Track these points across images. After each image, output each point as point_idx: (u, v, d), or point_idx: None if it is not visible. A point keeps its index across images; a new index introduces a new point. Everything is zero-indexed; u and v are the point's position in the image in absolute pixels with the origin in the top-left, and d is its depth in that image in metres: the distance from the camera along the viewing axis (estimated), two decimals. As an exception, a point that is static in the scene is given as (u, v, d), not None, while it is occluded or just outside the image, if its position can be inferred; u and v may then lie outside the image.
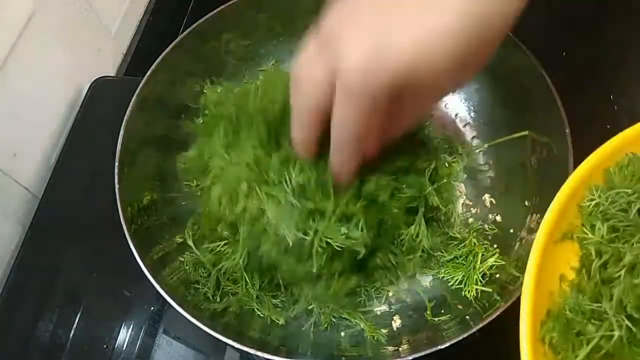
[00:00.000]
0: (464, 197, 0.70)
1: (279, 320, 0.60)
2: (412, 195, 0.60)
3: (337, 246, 0.54)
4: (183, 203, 0.68)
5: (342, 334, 0.61)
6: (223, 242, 0.62)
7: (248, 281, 0.61)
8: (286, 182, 0.54)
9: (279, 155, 0.56)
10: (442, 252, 0.64)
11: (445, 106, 0.76)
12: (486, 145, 0.71)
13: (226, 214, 0.59)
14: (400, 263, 0.63)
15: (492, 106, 0.72)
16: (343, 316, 0.61)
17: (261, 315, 0.61)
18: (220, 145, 0.61)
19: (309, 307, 0.61)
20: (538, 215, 0.61)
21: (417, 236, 0.61)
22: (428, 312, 0.61)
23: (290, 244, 0.54)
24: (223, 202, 0.59)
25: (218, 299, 0.61)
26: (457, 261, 0.63)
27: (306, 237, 0.53)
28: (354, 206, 0.54)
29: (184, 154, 0.69)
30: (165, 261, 0.62)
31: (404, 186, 0.60)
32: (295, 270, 0.57)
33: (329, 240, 0.54)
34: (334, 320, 0.61)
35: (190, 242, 0.64)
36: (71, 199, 0.78)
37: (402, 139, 0.59)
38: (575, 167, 0.54)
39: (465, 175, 0.71)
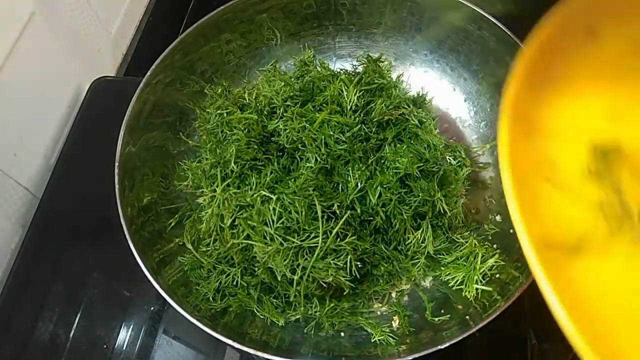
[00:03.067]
0: (464, 197, 0.70)
1: (279, 322, 0.60)
2: (422, 199, 0.61)
3: (324, 282, 0.55)
4: (183, 203, 0.68)
5: (343, 334, 0.61)
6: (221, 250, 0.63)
7: (247, 285, 0.62)
8: (268, 223, 0.55)
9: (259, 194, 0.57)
10: (444, 255, 0.64)
11: (446, 108, 0.77)
12: (488, 146, 0.71)
13: (217, 247, 0.61)
14: (404, 268, 0.63)
15: (493, 107, 0.72)
16: (343, 319, 0.61)
17: (261, 316, 0.61)
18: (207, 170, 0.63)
19: (309, 314, 0.61)
20: (538, 215, 0.60)
21: (423, 241, 0.62)
22: (428, 312, 0.61)
23: (279, 278, 0.57)
24: (212, 236, 0.62)
25: (218, 300, 0.61)
26: (458, 262, 0.63)
27: (293, 276, 0.55)
28: (342, 240, 0.55)
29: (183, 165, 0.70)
30: (165, 261, 0.62)
31: (412, 192, 0.61)
32: (289, 289, 0.58)
33: (315, 277, 0.55)
34: (335, 323, 0.61)
35: (189, 246, 0.64)
36: (71, 199, 0.78)
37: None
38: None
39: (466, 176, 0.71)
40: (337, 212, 0.56)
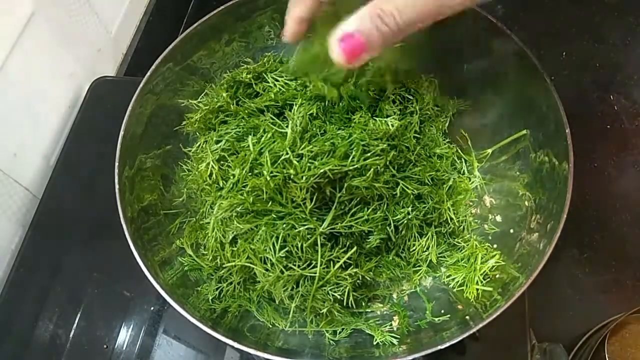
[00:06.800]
0: (472, 205, 0.70)
1: (279, 325, 0.60)
2: (431, 206, 0.61)
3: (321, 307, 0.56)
4: (183, 203, 0.68)
5: (343, 334, 0.61)
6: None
7: (248, 290, 0.62)
8: (273, 247, 0.54)
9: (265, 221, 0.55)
10: (445, 258, 0.64)
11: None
12: (489, 151, 0.70)
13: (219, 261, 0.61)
14: (406, 275, 0.63)
15: (493, 108, 0.72)
16: (344, 328, 0.61)
17: (261, 319, 0.61)
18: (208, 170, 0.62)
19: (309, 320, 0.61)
20: (538, 215, 0.61)
21: (427, 249, 0.62)
22: (428, 312, 0.61)
23: (277, 302, 0.57)
24: (212, 250, 0.61)
25: (218, 300, 0.61)
26: (459, 264, 0.63)
27: (291, 302, 0.55)
28: (344, 270, 0.55)
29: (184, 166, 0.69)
30: (165, 262, 0.62)
31: (422, 199, 0.61)
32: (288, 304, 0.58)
33: (313, 305, 0.55)
34: (336, 331, 0.61)
35: (189, 251, 0.64)
36: (71, 199, 0.78)
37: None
38: (575, 167, 0.54)
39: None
40: (342, 231, 0.56)
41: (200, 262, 0.62)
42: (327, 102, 0.62)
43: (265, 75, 0.67)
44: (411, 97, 0.67)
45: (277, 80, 0.66)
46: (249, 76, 0.67)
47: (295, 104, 0.61)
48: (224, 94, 0.66)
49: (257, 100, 0.65)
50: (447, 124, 0.73)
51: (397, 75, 0.67)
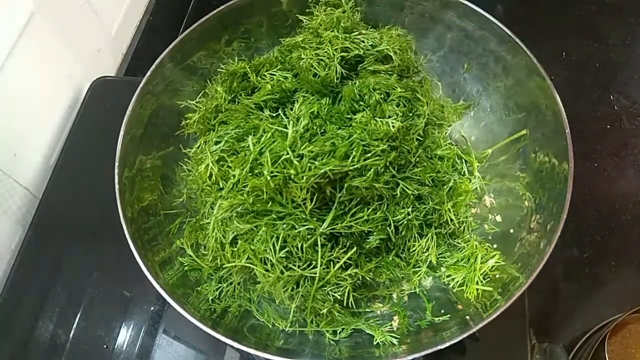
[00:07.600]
0: (473, 206, 0.70)
1: (279, 325, 0.60)
2: (431, 207, 0.61)
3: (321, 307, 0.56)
4: (183, 203, 0.68)
5: (343, 334, 0.61)
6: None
7: (248, 288, 0.62)
8: (273, 248, 0.54)
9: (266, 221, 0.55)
10: (445, 258, 0.64)
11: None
12: (489, 151, 0.70)
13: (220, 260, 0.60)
14: (406, 275, 0.63)
15: (492, 107, 0.72)
16: (345, 328, 0.61)
17: (262, 320, 0.61)
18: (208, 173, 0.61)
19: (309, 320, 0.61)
20: (538, 215, 0.61)
21: (427, 250, 0.62)
22: (428, 312, 0.61)
23: (278, 303, 0.57)
24: (212, 251, 0.61)
25: (218, 300, 0.61)
26: (459, 264, 0.63)
27: (291, 302, 0.55)
28: (344, 270, 0.55)
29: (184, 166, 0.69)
30: (165, 262, 0.62)
31: (422, 200, 0.61)
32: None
33: (314, 305, 0.55)
34: (337, 331, 0.61)
35: (189, 251, 0.64)
36: (71, 199, 0.78)
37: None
38: (575, 167, 0.54)
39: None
40: (342, 232, 0.56)
41: (200, 262, 0.62)
42: (329, 99, 0.61)
43: (261, 70, 0.67)
44: (418, 100, 0.67)
45: (273, 75, 0.65)
46: (243, 64, 0.66)
47: (297, 101, 0.61)
48: (219, 88, 0.66)
49: (255, 96, 0.65)
50: (451, 128, 0.73)
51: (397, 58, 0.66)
